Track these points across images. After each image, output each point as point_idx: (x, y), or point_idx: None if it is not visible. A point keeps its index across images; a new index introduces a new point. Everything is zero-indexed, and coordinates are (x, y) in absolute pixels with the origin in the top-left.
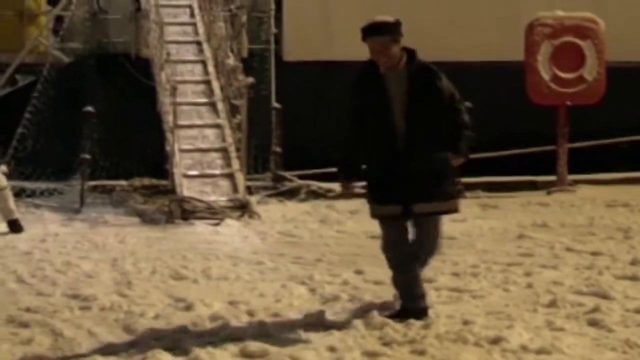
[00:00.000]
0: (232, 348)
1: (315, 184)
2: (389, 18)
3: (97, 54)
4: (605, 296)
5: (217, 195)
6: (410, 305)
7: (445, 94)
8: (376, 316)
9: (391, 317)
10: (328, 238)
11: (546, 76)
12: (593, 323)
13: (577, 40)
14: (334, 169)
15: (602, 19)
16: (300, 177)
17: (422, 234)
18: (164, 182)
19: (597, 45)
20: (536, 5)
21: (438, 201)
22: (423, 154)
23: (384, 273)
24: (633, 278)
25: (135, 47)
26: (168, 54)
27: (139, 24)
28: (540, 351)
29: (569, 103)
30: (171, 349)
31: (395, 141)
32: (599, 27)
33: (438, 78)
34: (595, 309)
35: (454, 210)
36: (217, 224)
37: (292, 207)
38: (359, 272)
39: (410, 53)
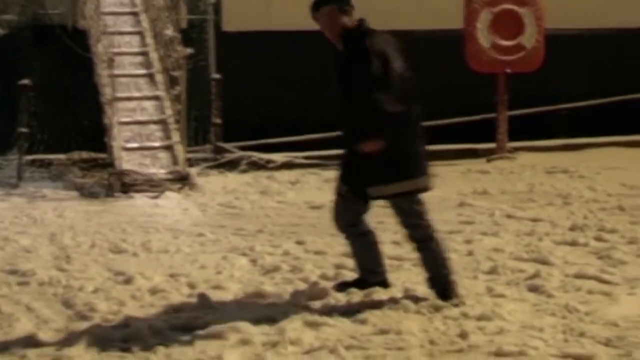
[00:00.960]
0: (173, 320)
1: (255, 155)
2: None
3: (32, 26)
4: (545, 262)
5: (157, 167)
6: (365, 276)
7: (374, 66)
8: (317, 286)
9: (346, 285)
10: (269, 209)
11: (486, 44)
12: (533, 289)
13: (516, 8)
14: (274, 140)
15: None
16: (241, 148)
17: (398, 217)
18: (102, 155)
19: (536, 13)
20: None
21: (392, 183)
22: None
23: (325, 243)
24: (572, 243)
25: (72, 19)
26: (105, 25)
27: None
28: (480, 317)
29: (508, 70)
30: (110, 322)
31: (342, 121)
32: None
33: (367, 49)
34: (535, 275)
35: (419, 188)
36: (157, 197)
37: (233, 179)
38: (300, 243)
39: (359, 24)
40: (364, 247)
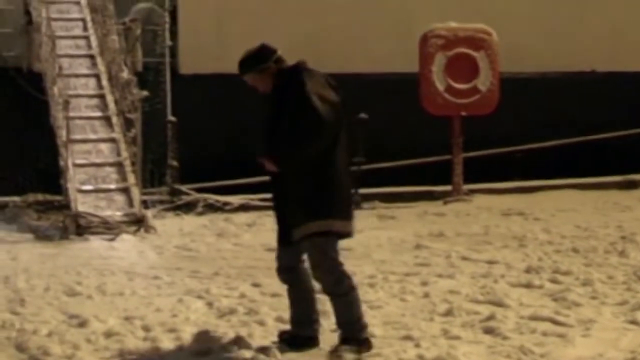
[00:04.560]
0: None
1: (212, 197)
2: (255, 48)
3: None
4: (500, 304)
5: (113, 209)
6: (296, 329)
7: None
8: (274, 329)
9: (282, 340)
10: (225, 251)
11: (440, 87)
12: (488, 331)
13: (471, 51)
14: (230, 182)
15: (495, 30)
16: (197, 190)
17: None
18: (58, 198)
19: (490, 56)
20: (430, 16)
21: (299, 226)
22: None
23: (280, 285)
24: (527, 285)
25: (27, 61)
26: (60, 67)
27: (31, 37)
28: None
29: (463, 113)
30: None
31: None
32: (492, 38)
33: (299, 95)
34: (491, 317)
35: (331, 230)
36: (112, 239)
37: (189, 221)
38: (255, 285)
39: (288, 70)
40: (299, 297)
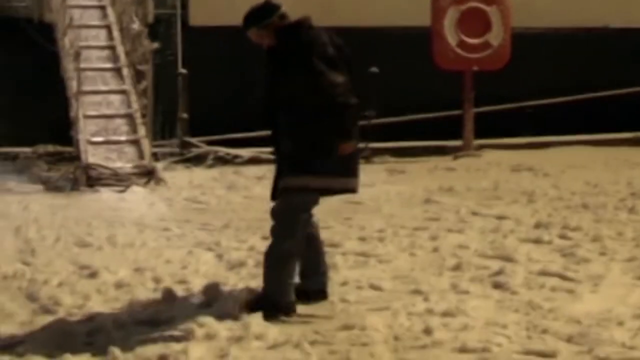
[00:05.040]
0: (138, 315)
1: (222, 150)
2: (259, 4)
3: None
4: (509, 259)
5: (123, 161)
6: (304, 284)
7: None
8: None
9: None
10: (235, 204)
11: (452, 42)
12: (497, 285)
13: (483, 6)
14: (241, 135)
15: None
16: (207, 143)
17: None
18: (68, 149)
19: (503, 11)
20: None
21: (281, 180)
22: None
23: None
24: (536, 241)
25: (38, 12)
26: (71, 18)
27: None
28: (445, 314)
29: (475, 68)
30: (75, 316)
31: (269, 120)
32: None
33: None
34: (500, 272)
35: (287, 186)
36: (122, 191)
37: (199, 173)
38: (265, 238)
39: (289, 27)
40: (306, 250)
